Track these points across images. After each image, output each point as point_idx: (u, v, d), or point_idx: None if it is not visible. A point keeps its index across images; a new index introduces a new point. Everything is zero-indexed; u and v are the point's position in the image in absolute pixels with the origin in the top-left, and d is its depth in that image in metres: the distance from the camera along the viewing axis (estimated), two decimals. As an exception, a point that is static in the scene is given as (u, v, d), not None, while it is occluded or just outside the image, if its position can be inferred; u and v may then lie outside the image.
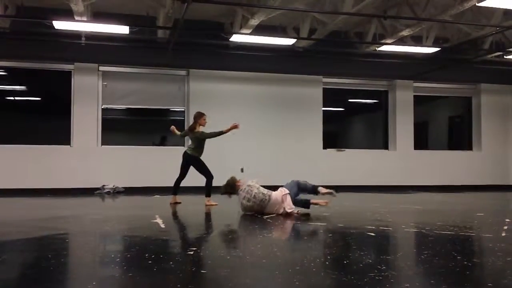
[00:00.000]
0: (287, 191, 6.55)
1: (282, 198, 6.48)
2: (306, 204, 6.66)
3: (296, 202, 6.59)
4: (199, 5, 8.95)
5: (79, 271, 3.52)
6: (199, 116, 8.26)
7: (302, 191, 6.81)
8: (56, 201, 8.90)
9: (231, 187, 6.73)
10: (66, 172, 10.65)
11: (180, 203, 8.09)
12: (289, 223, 5.86)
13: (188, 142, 9.07)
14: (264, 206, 6.44)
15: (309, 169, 11.96)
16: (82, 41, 10.53)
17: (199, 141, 8.12)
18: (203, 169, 8.03)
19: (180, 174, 8.18)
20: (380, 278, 3.09)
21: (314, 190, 6.84)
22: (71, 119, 10.90)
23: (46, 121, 11.32)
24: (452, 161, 13.25)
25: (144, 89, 11.55)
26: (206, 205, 7.78)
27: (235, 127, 7.91)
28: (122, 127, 12.06)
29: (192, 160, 8.07)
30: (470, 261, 3.73)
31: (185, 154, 8.17)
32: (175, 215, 7.05)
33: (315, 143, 12.29)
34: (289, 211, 6.41)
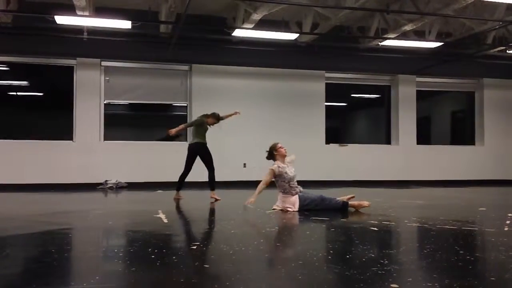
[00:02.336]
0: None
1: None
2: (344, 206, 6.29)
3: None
4: (202, 0, 8.94)
5: (82, 266, 3.53)
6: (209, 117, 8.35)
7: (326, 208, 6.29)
8: (59, 196, 8.93)
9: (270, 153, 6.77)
10: (68, 167, 10.68)
11: (182, 198, 8.09)
12: (291, 218, 5.86)
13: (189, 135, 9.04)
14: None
15: (312, 164, 11.97)
16: (84, 36, 10.54)
17: (205, 131, 8.18)
18: (210, 160, 8.01)
19: (185, 169, 8.04)
20: (383, 272, 3.09)
21: (344, 206, 6.30)
22: (73, 114, 10.93)
23: (49, 116, 11.36)
24: (454, 156, 13.24)
25: (146, 84, 11.56)
26: (212, 197, 7.80)
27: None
28: (124, 122, 12.08)
29: (203, 149, 8.01)
30: (473, 256, 3.73)
31: (196, 145, 8.01)
32: (178, 210, 7.07)
33: (318, 138, 12.29)
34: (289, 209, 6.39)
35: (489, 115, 13.56)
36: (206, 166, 8.02)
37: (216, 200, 7.73)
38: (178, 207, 7.25)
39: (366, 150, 12.70)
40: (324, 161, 12.16)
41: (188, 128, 9.54)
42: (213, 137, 11.46)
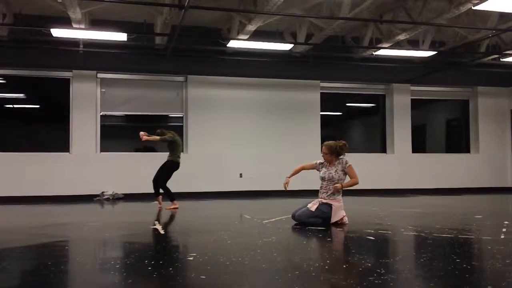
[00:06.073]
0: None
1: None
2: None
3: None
4: (197, 12, 9.00)
5: (79, 278, 3.52)
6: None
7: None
8: (56, 208, 8.90)
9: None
10: (65, 179, 10.66)
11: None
12: (288, 228, 5.86)
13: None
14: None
15: (308, 174, 11.96)
16: (80, 49, 10.58)
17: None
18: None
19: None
20: (380, 282, 3.10)
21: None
22: (70, 126, 10.92)
23: (45, 128, 11.35)
24: (450, 164, 13.29)
25: (142, 96, 11.58)
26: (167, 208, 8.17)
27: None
28: (120, 134, 12.07)
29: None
30: (469, 264, 3.75)
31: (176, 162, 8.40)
32: (174, 221, 7.06)
33: (314, 148, 12.28)
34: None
35: (484, 123, 13.63)
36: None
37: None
38: (174, 218, 7.24)
39: (361, 159, 12.65)
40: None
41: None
42: (210, 147, 11.52)
